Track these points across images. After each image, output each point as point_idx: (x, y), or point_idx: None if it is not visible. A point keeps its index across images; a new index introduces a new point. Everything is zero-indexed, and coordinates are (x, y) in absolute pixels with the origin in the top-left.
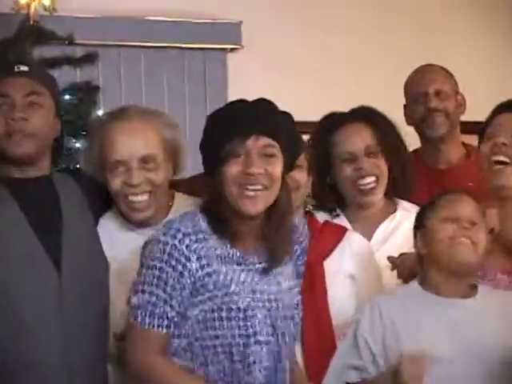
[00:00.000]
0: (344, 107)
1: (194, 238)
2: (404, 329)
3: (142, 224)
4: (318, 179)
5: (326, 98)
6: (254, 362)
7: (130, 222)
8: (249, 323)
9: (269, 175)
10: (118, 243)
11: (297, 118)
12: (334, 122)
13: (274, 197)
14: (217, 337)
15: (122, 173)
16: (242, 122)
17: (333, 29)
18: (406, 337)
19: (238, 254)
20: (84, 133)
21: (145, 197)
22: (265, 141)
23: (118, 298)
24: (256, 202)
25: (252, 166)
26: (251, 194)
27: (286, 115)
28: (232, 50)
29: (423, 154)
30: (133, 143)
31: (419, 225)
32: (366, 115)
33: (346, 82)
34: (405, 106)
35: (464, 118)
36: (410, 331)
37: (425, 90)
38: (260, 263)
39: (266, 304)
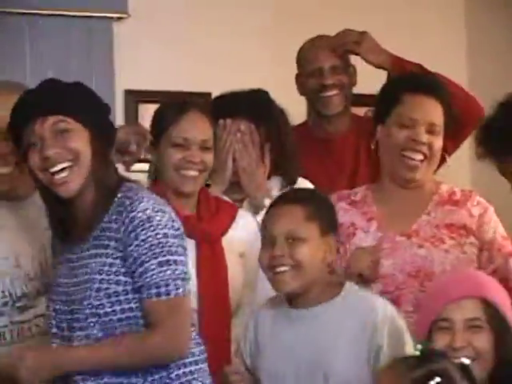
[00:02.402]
0: (235, 83)
1: None
2: (263, 342)
3: None
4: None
5: (214, 71)
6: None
7: None
8: None
9: (69, 150)
10: None
11: (186, 88)
12: (223, 103)
13: (85, 171)
14: None
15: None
16: (25, 110)
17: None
18: (268, 351)
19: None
20: None
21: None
22: (53, 119)
23: None
24: (67, 185)
25: (46, 150)
26: (58, 178)
27: (81, 87)
28: (118, 19)
29: (313, 126)
30: None
31: None
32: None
33: (235, 56)
34: (297, 75)
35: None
36: (271, 347)
37: (320, 66)
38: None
39: None
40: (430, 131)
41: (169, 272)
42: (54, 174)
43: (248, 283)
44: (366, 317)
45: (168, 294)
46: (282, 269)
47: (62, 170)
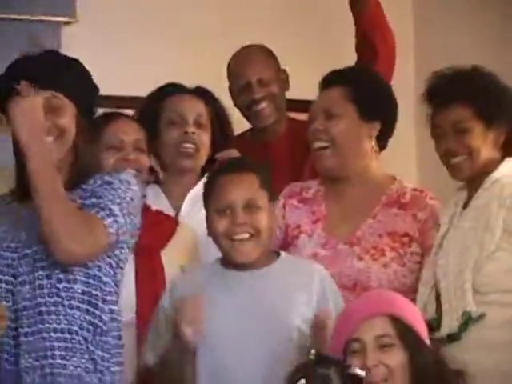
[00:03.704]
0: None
1: None
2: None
3: None
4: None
5: (162, 76)
6: None
7: None
8: None
9: (56, 126)
10: None
11: (134, 93)
12: (165, 91)
13: (66, 147)
14: None
15: None
16: (17, 77)
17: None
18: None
19: None
20: None
21: None
22: (46, 94)
23: None
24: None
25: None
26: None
27: (78, 64)
28: (66, 23)
29: (249, 135)
30: None
31: None
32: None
33: (183, 61)
34: (229, 88)
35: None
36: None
37: (247, 81)
38: None
39: None
40: (327, 117)
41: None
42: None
43: None
44: (309, 271)
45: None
46: (242, 236)
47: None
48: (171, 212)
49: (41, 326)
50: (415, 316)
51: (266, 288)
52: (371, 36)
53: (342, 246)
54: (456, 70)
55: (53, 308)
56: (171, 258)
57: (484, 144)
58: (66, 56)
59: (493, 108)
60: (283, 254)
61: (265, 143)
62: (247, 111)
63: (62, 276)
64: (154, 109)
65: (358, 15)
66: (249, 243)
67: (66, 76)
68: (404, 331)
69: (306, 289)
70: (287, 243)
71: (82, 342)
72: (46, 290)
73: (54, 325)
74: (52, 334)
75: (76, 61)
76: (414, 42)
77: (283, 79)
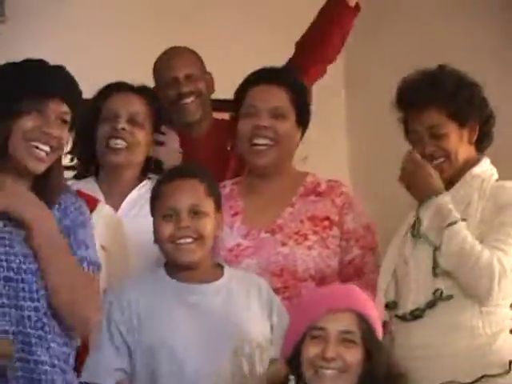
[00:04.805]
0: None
1: None
2: (146, 316)
3: None
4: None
5: (92, 70)
6: None
7: None
8: None
9: (56, 138)
10: None
11: None
12: (107, 90)
13: (56, 157)
14: None
15: None
16: (45, 81)
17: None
18: (148, 323)
19: None
20: None
21: None
22: (65, 107)
23: None
24: (41, 163)
25: (49, 128)
26: (38, 152)
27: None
28: None
29: (176, 132)
30: None
31: None
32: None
33: (115, 55)
34: (154, 88)
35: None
36: (151, 318)
37: (175, 75)
38: None
39: None
40: (275, 116)
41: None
42: (37, 148)
43: (113, 275)
44: (257, 283)
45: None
46: (185, 240)
47: (46, 151)
48: (108, 208)
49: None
50: (376, 317)
51: (222, 302)
52: (334, 39)
53: (264, 235)
54: (425, 72)
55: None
56: None
57: (460, 143)
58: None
59: (465, 107)
60: (225, 265)
61: (188, 141)
62: (172, 106)
63: None
64: (94, 108)
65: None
66: (191, 246)
67: (77, 91)
68: (367, 332)
69: (258, 300)
70: None
71: None
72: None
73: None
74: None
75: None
76: None
77: (209, 81)
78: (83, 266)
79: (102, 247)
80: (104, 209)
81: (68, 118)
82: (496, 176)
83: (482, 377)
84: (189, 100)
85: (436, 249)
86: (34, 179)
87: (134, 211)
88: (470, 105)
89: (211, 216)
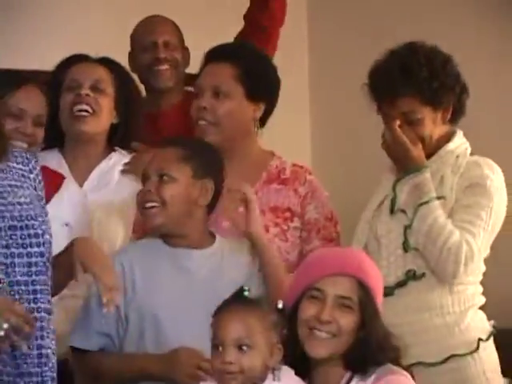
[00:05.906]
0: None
1: None
2: (141, 278)
3: None
4: None
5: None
6: None
7: None
8: None
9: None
10: None
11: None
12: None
13: None
14: None
15: None
16: None
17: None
18: (142, 286)
19: None
20: None
21: None
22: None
23: None
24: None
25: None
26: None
27: None
28: None
29: (146, 101)
30: None
31: None
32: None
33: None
34: (130, 53)
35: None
36: (145, 281)
37: (154, 40)
38: None
39: None
40: (215, 95)
41: None
42: None
43: None
44: (247, 253)
45: None
46: (150, 204)
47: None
48: (73, 184)
49: None
50: (378, 284)
51: (209, 269)
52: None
53: (225, 224)
54: (395, 57)
55: None
56: (54, 215)
57: (434, 125)
58: None
59: (439, 92)
60: (217, 236)
61: (158, 111)
62: (147, 71)
63: None
64: (56, 80)
65: None
66: (154, 210)
67: None
68: (365, 300)
69: (247, 269)
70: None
71: None
72: None
73: None
74: None
75: None
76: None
77: (186, 55)
78: None
79: (66, 224)
80: (69, 185)
81: None
82: (469, 149)
83: (450, 357)
84: (163, 67)
85: (407, 226)
86: None
87: (102, 184)
88: (444, 88)
89: (181, 182)
